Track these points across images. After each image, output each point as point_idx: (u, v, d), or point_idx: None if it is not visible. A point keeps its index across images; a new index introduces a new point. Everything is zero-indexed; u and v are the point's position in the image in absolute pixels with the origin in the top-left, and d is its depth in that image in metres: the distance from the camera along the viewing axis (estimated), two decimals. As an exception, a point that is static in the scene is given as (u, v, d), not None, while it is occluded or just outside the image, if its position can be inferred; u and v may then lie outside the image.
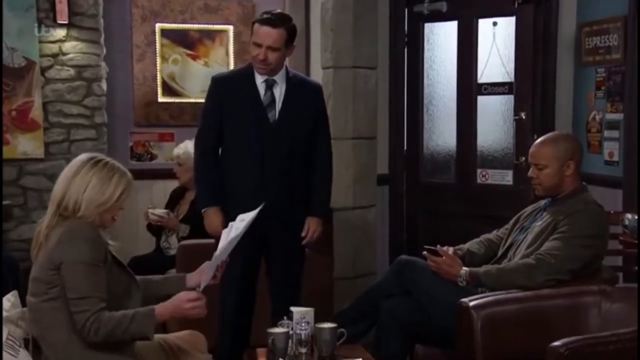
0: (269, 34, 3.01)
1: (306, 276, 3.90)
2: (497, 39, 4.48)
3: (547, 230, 2.80)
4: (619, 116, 4.23)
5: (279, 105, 3.12)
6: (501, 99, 4.51)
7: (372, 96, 4.36)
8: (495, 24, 4.48)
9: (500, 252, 3.00)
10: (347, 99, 4.26)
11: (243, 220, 2.54)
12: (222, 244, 2.52)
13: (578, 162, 2.86)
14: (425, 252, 2.96)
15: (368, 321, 3.03)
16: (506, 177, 4.44)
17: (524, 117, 4.33)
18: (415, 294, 2.92)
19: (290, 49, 3.11)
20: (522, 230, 2.96)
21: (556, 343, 2.16)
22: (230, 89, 3.14)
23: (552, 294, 2.65)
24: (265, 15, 3.07)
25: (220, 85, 3.17)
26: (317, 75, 4.54)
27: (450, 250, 2.99)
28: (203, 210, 3.17)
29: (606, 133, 4.32)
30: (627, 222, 3.45)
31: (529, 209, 3.04)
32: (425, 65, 4.67)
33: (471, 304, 2.58)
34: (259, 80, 3.12)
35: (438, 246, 2.96)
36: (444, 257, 2.90)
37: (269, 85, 3.13)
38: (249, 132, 3.10)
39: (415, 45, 4.66)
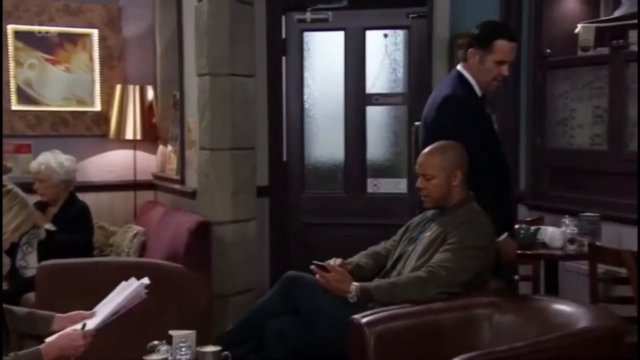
0: (514, 49, 3.02)
1: (182, 296, 3.74)
2: (388, 51, 4.53)
3: (437, 242, 2.76)
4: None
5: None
6: (393, 109, 4.56)
7: (250, 105, 4.23)
8: (386, 35, 4.53)
9: (389, 265, 2.93)
10: (225, 108, 4.09)
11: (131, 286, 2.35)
12: (119, 299, 2.32)
13: (465, 172, 2.85)
14: (313, 267, 2.83)
15: (254, 342, 2.86)
16: (400, 186, 4.50)
17: (420, 126, 4.39)
18: (304, 312, 2.79)
19: None
20: (411, 241, 2.91)
21: None
22: (473, 105, 3.03)
23: (444, 308, 2.61)
24: (505, 30, 3.06)
25: (464, 102, 3.00)
26: (191, 82, 4.35)
27: (338, 262, 2.88)
28: (501, 239, 2.93)
29: (481, 143, 4.41)
30: (507, 231, 3.50)
31: (417, 219, 3.01)
32: (306, 74, 4.63)
33: (363, 320, 2.49)
34: (479, 94, 3.08)
35: (327, 261, 2.84)
36: (333, 273, 2.78)
37: (484, 98, 3.12)
38: (494, 146, 3.05)
39: (295, 53, 4.62)
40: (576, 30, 4.01)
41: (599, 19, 4.06)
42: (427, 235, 2.83)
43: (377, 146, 4.58)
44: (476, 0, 4.48)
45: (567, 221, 3.35)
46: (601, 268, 3.17)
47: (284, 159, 4.65)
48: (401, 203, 4.42)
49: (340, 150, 4.60)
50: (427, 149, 2.91)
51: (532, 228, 3.47)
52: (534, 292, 3.88)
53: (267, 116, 4.55)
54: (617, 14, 3.98)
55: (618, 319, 2.39)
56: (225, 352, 2.46)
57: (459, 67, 3.08)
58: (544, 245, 3.39)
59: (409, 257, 2.84)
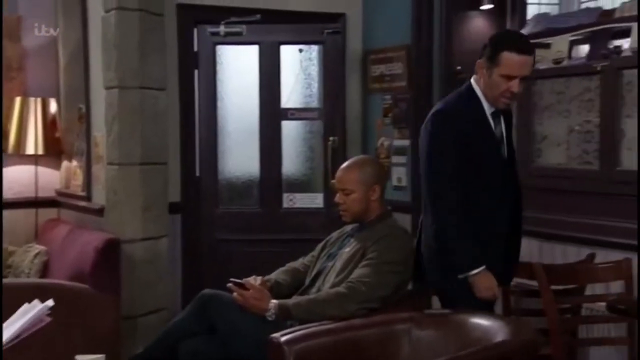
0: (526, 64, 2.59)
1: (89, 317, 3.58)
2: (303, 66, 4.54)
3: (356, 257, 2.74)
4: (405, 142, 4.39)
5: (504, 138, 2.74)
6: (308, 124, 4.58)
7: (161, 119, 4.12)
8: (301, 50, 4.54)
9: (307, 281, 2.89)
10: (135, 122, 3.97)
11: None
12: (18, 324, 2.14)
13: (383, 187, 2.85)
14: (230, 285, 2.75)
15: (168, 365, 2.75)
16: (316, 201, 4.50)
17: (336, 141, 4.42)
18: (221, 331, 2.72)
19: None
20: (330, 257, 2.88)
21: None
22: (466, 122, 2.64)
23: (365, 324, 2.59)
24: (514, 41, 2.63)
25: (457, 117, 2.64)
26: (98, 95, 4.19)
27: (258, 280, 2.81)
28: (476, 272, 2.60)
29: (394, 159, 4.46)
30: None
31: (335, 234, 2.99)
32: (219, 88, 4.57)
33: (282, 339, 2.43)
34: (488, 111, 2.68)
35: (245, 279, 2.77)
36: (251, 290, 2.71)
37: (497, 115, 2.70)
38: (490, 172, 2.66)
39: (208, 67, 4.55)
40: (485, 49, 4.12)
41: (506, 38, 4.18)
42: (347, 250, 2.81)
43: (292, 161, 4.57)
44: (388, 17, 4.55)
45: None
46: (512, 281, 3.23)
47: (197, 174, 4.55)
48: (317, 218, 4.44)
49: (255, 164, 4.55)
50: (345, 164, 2.91)
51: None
52: (447, 306, 3.93)
53: (179, 130, 4.45)
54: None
55: (534, 332, 2.43)
56: (138, 376, 2.35)
57: (472, 79, 2.73)
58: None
59: (328, 273, 2.81)
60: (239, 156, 4.60)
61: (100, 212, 4.16)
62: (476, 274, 2.59)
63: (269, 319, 2.67)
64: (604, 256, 3.21)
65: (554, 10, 4.27)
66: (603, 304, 2.87)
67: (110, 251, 3.77)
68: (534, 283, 3.00)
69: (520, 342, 2.34)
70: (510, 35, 2.81)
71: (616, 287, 3.10)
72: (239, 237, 4.51)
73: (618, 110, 3.37)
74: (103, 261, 3.72)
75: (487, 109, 2.67)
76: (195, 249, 4.53)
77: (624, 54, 3.43)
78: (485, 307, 2.61)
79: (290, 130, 4.57)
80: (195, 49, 4.53)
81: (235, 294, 2.72)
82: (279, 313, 2.67)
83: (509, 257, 2.78)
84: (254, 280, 2.82)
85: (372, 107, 4.66)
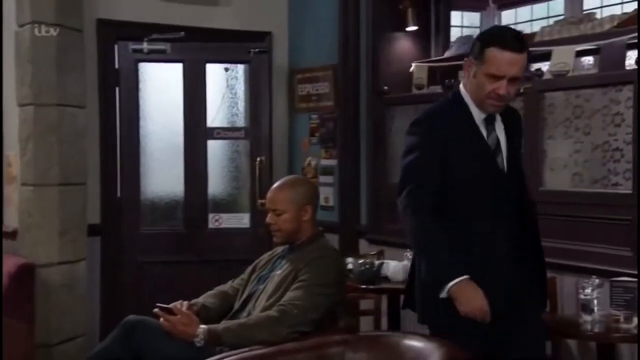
0: (514, 62, 2.29)
1: (1, 346, 3.36)
2: (229, 84, 4.49)
3: (288, 280, 2.67)
4: (333, 162, 4.38)
5: (503, 146, 2.43)
6: (234, 143, 4.52)
7: (80, 138, 3.97)
8: (227, 69, 4.49)
9: (237, 305, 2.80)
10: (52, 141, 3.82)
11: None
12: None
13: (315, 207, 2.81)
14: (157, 310, 2.63)
15: (89, 397, 2.60)
16: (242, 221, 4.44)
17: (264, 160, 4.38)
18: (148, 359, 2.58)
19: None
20: (261, 280, 2.80)
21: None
22: (450, 131, 2.37)
23: (297, 348, 2.51)
24: (501, 36, 2.33)
25: (439, 126, 2.38)
26: (11, 112, 4.00)
27: (185, 305, 2.70)
28: (454, 283, 2.27)
29: (321, 178, 4.44)
30: (351, 267, 3.51)
31: (266, 257, 2.91)
32: (142, 106, 4.45)
33: (212, 366, 2.33)
34: (479, 118, 2.41)
35: (173, 303, 2.66)
36: (178, 315, 2.60)
37: (490, 122, 2.42)
38: (482, 185, 2.38)
39: (130, 84, 4.43)
40: (411, 69, 4.17)
41: (431, 59, 4.25)
42: (278, 273, 2.73)
43: (218, 180, 4.51)
44: (314, 37, 4.55)
45: (408, 254, 3.40)
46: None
47: (118, 194, 4.42)
48: (244, 238, 4.38)
49: (179, 184, 4.46)
50: (276, 184, 2.85)
51: (376, 262, 3.51)
52: (375, 327, 3.91)
53: (99, 149, 4.32)
54: (447, 54, 4.18)
55: (466, 355, 2.41)
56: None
57: (461, 83, 2.48)
58: (387, 279, 3.44)
59: (259, 296, 2.73)
60: (163, 176, 4.49)
61: (13, 235, 3.96)
62: (456, 284, 2.27)
63: (198, 344, 2.56)
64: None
65: (476, 33, 4.38)
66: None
67: (24, 276, 3.59)
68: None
69: (454, 363, 2.32)
70: (498, 30, 2.53)
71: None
72: (163, 259, 4.39)
73: (541, 132, 3.45)
74: (16, 287, 3.54)
75: (477, 115, 2.41)
76: (116, 273, 4.38)
77: (545, 77, 3.53)
78: (476, 330, 2.33)
79: (216, 149, 4.50)
80: (117, 65, 4.41)
81: (162, 319, 2.61)
82: (208, 338, 2.56)
83: (534, 287, 2.50)
84: (180, 305, 2.71)
85: (298, 126, 4.63)
